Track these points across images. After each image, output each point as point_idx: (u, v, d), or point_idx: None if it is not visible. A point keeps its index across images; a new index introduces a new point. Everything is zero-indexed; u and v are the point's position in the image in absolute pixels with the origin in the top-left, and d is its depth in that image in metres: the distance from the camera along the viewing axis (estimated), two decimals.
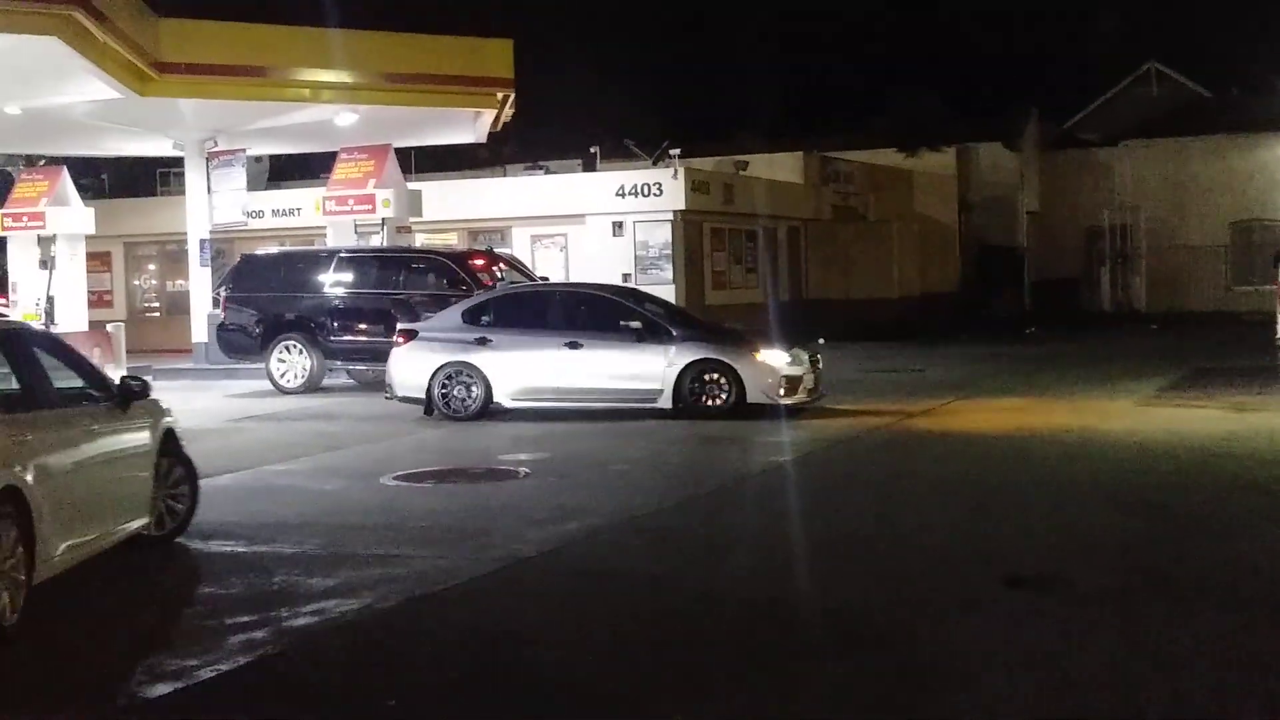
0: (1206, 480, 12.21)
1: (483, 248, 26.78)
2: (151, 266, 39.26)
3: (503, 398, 17.67)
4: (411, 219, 26.67)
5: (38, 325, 22.95)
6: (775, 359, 17.16)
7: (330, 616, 7.98)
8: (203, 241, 26.21)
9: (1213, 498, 11.40)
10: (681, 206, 34.11)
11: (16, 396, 8.54)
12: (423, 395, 17.77)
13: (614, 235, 34.41)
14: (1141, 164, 45.37)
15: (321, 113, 25.78)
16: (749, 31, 59.40)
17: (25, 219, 27.32)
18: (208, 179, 25.97)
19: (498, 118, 26.83)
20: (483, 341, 17.65)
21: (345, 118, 25.95)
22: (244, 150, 26.35)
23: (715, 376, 17.02)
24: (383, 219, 25.69)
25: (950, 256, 45.28)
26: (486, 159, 41.88)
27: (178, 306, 33.01)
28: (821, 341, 33.01)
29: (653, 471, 13.39)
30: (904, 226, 41.82)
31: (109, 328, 17.39)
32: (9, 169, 33.37)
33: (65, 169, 28.12)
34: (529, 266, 27.39)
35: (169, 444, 10.16)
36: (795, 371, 17.12)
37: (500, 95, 25.91)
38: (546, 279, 26.29)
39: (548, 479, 12.93)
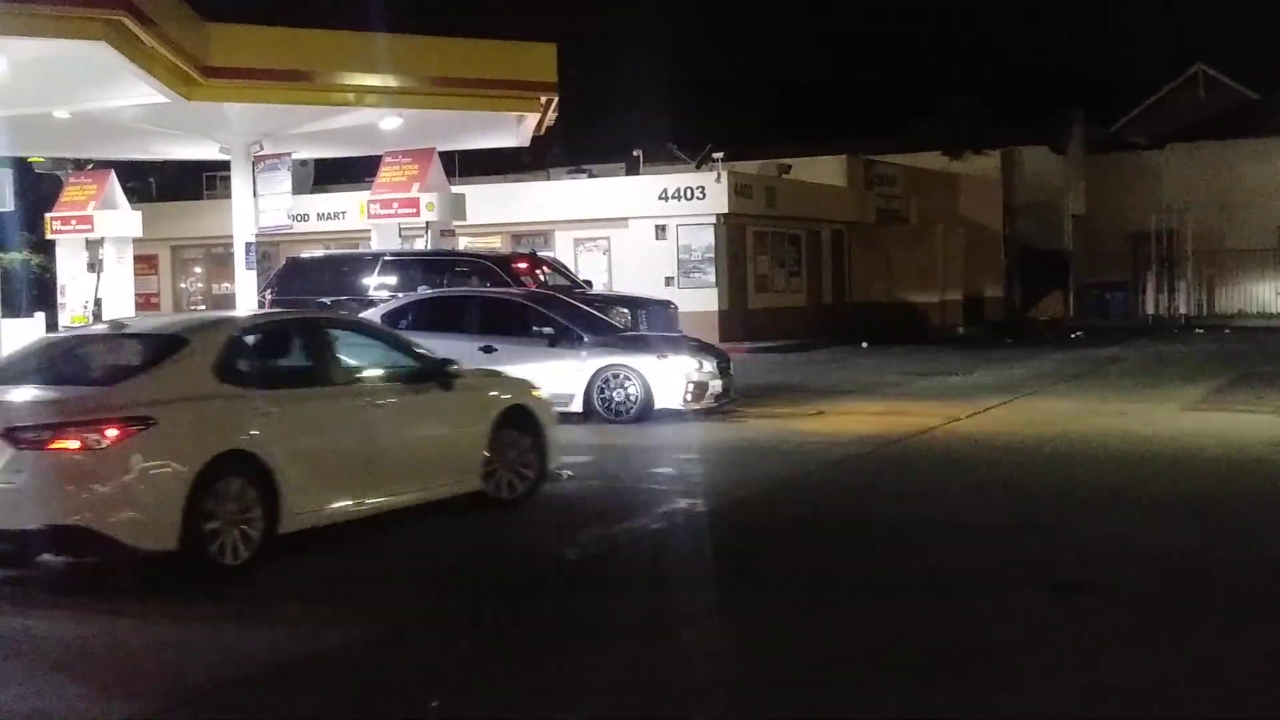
0: (1254, 486, 12.12)
1: (526, 251, 26.85)
2: (198, 269, 39.60)
3: None
4: (455, 222, 26.77)
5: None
6: (682, 365, 17.47)
7: (384, 615, 8.03)
8: (248, 245, 26.33)
9: (1260, 503, 11.31)
10: (724, 210, 34.16)
11: (280, 373, 10.22)
12: None
13: (657, 239, 34.48)
14: (1188, 167, 45.08)
15: (366, 117, 25.88)
16: (792, 35, 59.31)
17: (74, 222, 27.59)
18: (253, 183, 26.09)
19: (541, 121, 26.85)
20: None
21: (390, 122, 26.05)
22: (290, 154, 26.46)
23: (624, 382, 17.34)
24: (427, 222, 25.80)
25: (994, 260, 45.13)
26: (530, 163, 42.00)
27: (224, 309, 33.25)
28: (864, 345, 33.02)
29: (696, 473, 13.37)
30: (948, 230, 41.71)
31: None
32: (58, 173, 33.68)
33: (113, 173, 28.37)
34: (572, 269, 27.46)
35: (515, 418, 11.42)
36: (701, 378, 17.45)
37: (543, 99, 25.93)
38: (590, 283, 26.37)
39: (590, 483, 12.93)
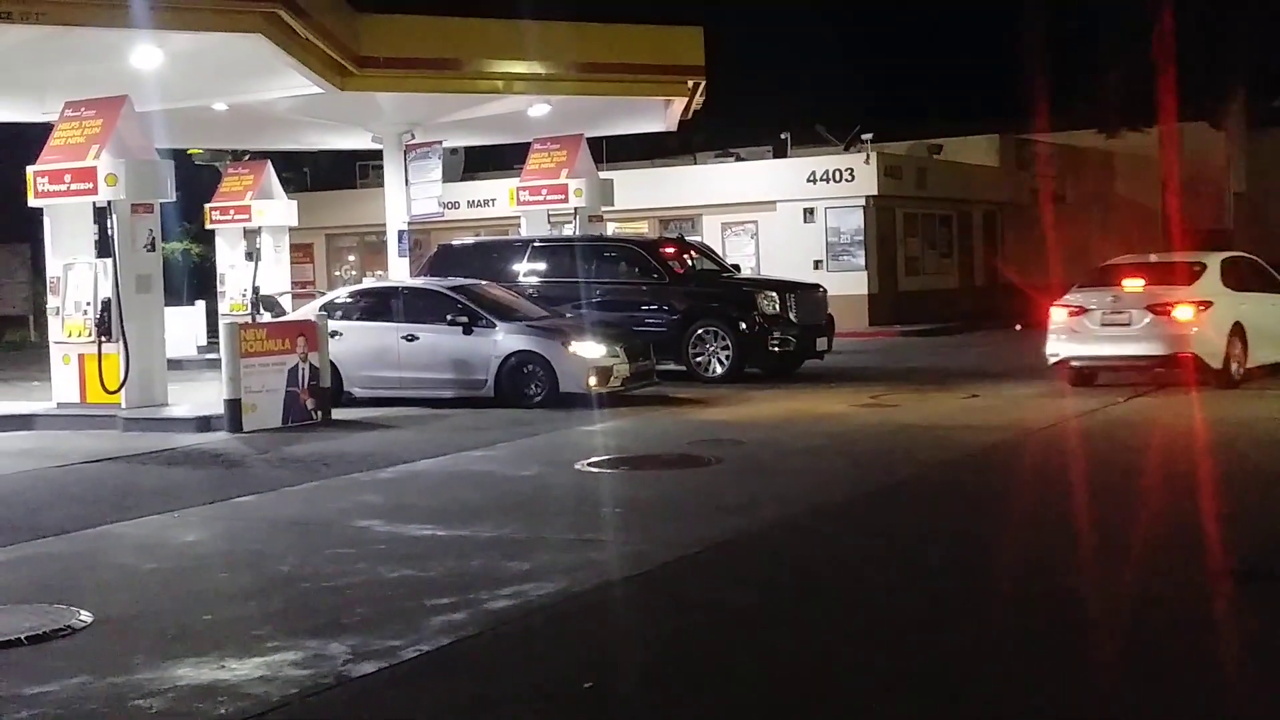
0: None
1: (673, 235, 26.84)
2: (351, 257, 40.28)
3: (352, 387, 18.89)
4: (603, 208, 26.84)
5: (243, 317, 23.58)
6: (588, 350, 18.16)
7: (528, 599, 8.06)
8: (401, 232, 26.72)
9: None
10: (874, 192, 33.82)
11: (1246, 283, 18.77)
12: None
13: (805, 222, 34.25)
14: None
15: (515, 104, 26.09)
16: (940, 12, 58.39)
17: (232, 212, 28.21)
18: (405, 171, 26.46)
19: (688, 106, 26.83)
20: (334, 335, 18.50)
21: (538, 109, 26.22)
22: (440, 143, 26.77)
23: (531, 368, 18.21)
24: (575, 208, 25.91)
25: (1153, 240, 44.00)
26: (677, 147, 41.93)
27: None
28: (1018, 328, 32.42)
29: (845, 461, 13.26)
30: (1104, 210, 40.82)
31: (312, 317, 17.88)
32: (216, 164, 34.43)
33: (269, 163, 28.93)
34: (719, 254, 27.37)
35: None
36: (607, 363, 18.14)
37: (690, 83, 25.91)
38: (737, 267, 26.27)
39: (740, 466, 12.90)
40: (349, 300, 20.15)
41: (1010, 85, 52.96)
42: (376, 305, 19.74)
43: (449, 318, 18.67)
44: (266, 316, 21.71)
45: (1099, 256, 39.08)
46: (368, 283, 22.34)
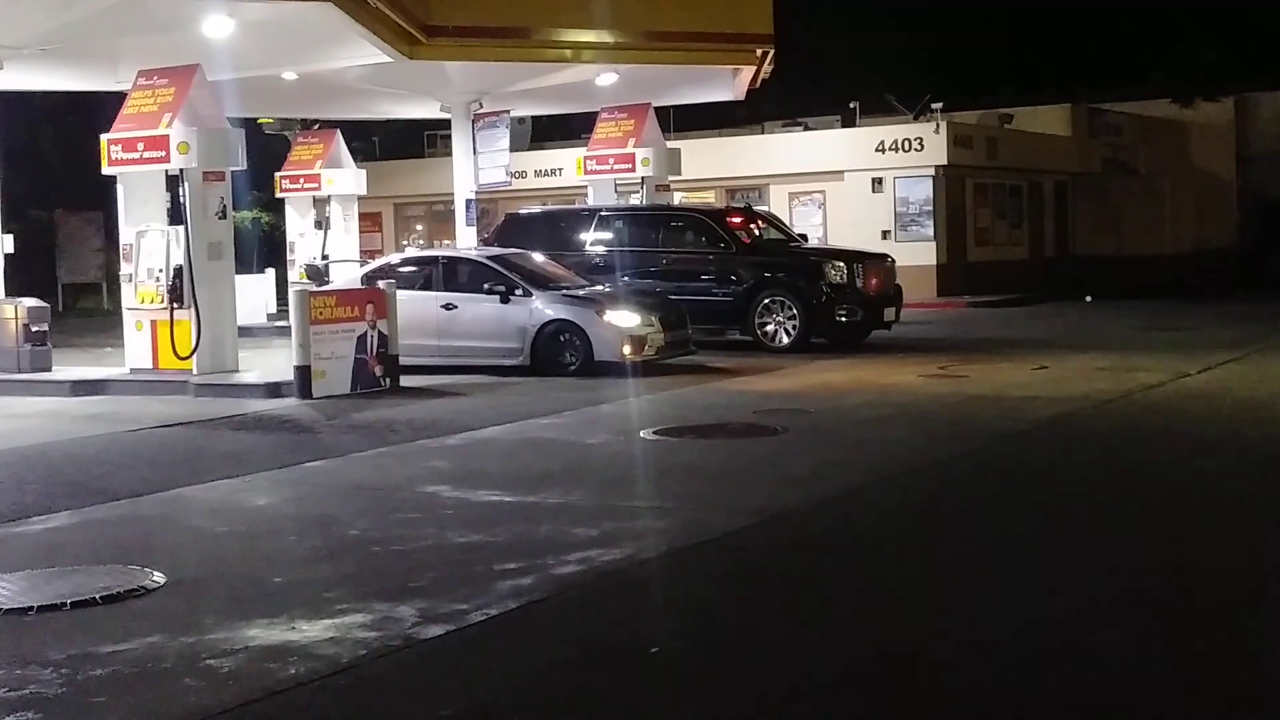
0: None
1: (740, 205, 26.74)
2: (419, 226, 40.43)
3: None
4: (670, 177, 26.78)
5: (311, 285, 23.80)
6: (622, 319, 18.30)
7: (595, 565, 8.08)
8: (468, 201, 26.75)
9: None
10: (943, 162, 33.55)
11: None
12: None
13: (873, 192, 34.04)
14: None
15: (583, 73, 26.03)
16: None
17: (301, 181, 28.38)
18: (473, 141, 26.48)
19: (756, 75, 26.67)
20: None
21: (606, 78, 26.16)
22: (508, 112, 26.75)
23: (567, 336, 18.34)
24: (642, 178, 25.86)
25: (1227, 212, 43.47)
26: (744, 117, 41.72)
27: None
28: (1089, 299, 32.12)
29: (913, 431, 13.19)
30: (1177, 181, 40.31)
31: (381, 285, 17.98)
32: (286, 133, 34.65)
33: (339, 132, 29.06)
34: (787, 224, 27.25)
35: None
36: (641, 332, 18.27)
37: (759, 52, 25.74)
38: (805, 237, 26.15)
39: (808, 436, 12.87)
40: (391, 270, 19.92)
41: (1083, 55, 52.47)
42: (419, 275, 19.73)
43: (487, 286, 18.80)
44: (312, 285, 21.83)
45: (1171, 227, 38.83)
46: (409, 252, 22.39)
